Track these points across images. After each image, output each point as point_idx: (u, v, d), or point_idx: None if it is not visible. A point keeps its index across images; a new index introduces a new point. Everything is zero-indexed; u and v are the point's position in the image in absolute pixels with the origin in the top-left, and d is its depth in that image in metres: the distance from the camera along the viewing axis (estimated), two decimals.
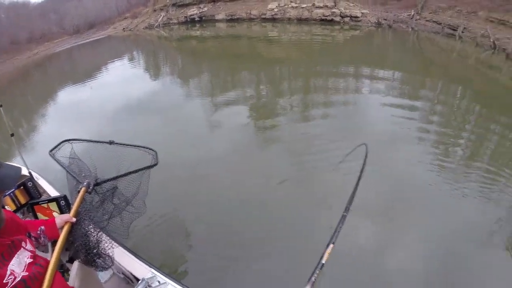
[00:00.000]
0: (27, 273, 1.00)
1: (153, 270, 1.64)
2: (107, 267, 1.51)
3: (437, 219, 3.75)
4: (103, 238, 1.55)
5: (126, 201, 1.93)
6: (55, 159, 1.96)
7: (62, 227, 1.41)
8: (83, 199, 1.62)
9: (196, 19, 21.13)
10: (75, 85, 12.46)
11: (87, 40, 29.76)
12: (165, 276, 1.60)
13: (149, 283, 1.52)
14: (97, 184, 1.76)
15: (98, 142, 2.13)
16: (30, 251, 1.10)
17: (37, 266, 1.06)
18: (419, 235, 3.53)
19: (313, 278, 1.45)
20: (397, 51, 16.36)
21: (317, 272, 1.48)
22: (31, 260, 1.06)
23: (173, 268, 2.95)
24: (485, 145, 6.12)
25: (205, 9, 20.70)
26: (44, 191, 2.54)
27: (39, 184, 2.58)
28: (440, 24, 20.63)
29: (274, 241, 3.19)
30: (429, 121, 6.74)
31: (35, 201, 2.03)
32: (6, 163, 0.99)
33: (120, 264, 1.75)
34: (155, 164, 2.08)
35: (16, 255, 1.01)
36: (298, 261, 2.78)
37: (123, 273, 1.80)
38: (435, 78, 11.42)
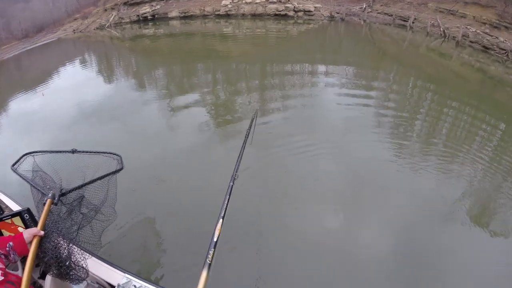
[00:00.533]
0: None
1: (127, 275, 1.62)
2: (81, 279, 1.48)
3: (398, 196, 3.82)
4: (74, 250, 1.50)
5: (95, 210, 1.90)
6: (17, 174, 1.90)
7: (30, 242, 1.36)
8: (49, 211, 1.58)
9: (148, 17, 20.36)
10: (27, 93, 11.56)
11: (37, 45, 27.86)
12: (141, 280, 1.57)
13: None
14: (62, 194, 1.72)
15: (60, 152, 2.09)
16: (0, 268, 1.03)
17: (9, 284, 1.00)
18: (381, 213, 3.56)
19: (207, 260, 1.34)
20: (351, 42, 16.80)
21: (211, 252, 1.37)
22: (2, 277, 1.02)
23: (148, 270, 2.94)
24: (440, 125, 6.40)
25: (158, 7, 20.00)
26: (6, 207, 2.40)
27: (0, 200, 2.47)
28: (391, 15, 21.50)
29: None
30: (384, 106, 6.95)
31: None
32: None
33: (94, 274, 1.70)
34: (121, 169, 2.08)
35: None
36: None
37: (97, 282, 1.75)
38: (389, 66, 11.82)
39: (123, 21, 21.36)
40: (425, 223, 3.62)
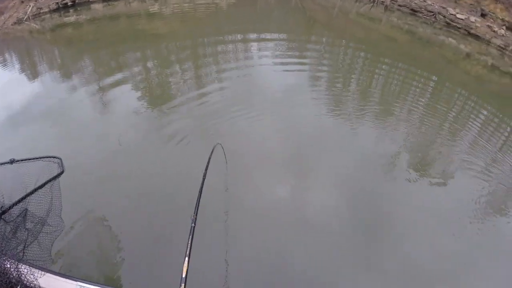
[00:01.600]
0: None
1: (80, 283, 1.58)
2: None
3: (339, 155, 3.95)
4: (24, 270, 1.38)
5: (41, 222, 1.78)
6: None
7: None
8: None
9: (68, 3, 19.01)
10: None
11: None
12: (93, 285, 1.56)
13: None
14: (3, 212, 1.59)
15: None
16: None
17: None
18: (325, 173, 3.66)
19: None
20: (281, 12, 16.98)
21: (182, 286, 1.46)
22: None
23: (108, 274, 2.87)
24: (374, 83, 6.75)
25: None
26: None
27: None
28: None
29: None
30: (319, 70, 7.20)
31: None
32: None
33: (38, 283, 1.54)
34: (62, 172, 1.98)
35: None
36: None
37: None
38: (320, 33, 12.15)
39: (41, 11, 19.74)
40: (368, 178, 3.82)
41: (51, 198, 1.95)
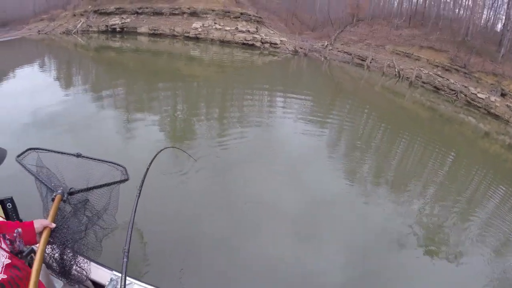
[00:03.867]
0: (5, 276, 0.90)
1: (115, 272, 1.59)
2: (80, 282, 1.44)
3: (351, 226, 3.99)
4: (82, 249, 1.50)
5: (97, 215, 1.88)
6: (22, 165, 1.83)
7: (39, 233, 1.30)
8: (58, 207, 1.53)
9: (117, 29, 20.30)
10: None
11: None
12: (131, 278, 1.56)
13: (116, 285, 1.48)
14: (71, 193, 1.68)
15: (65, 154, 2.05)
16: (6, 251, 1.00)
17: (15, 269, 0.96)
18: (333, 242, 3.69)
19: None
20: (311, 76, 17.89)
21: None
22: (9, 261, 0.96)
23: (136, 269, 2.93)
24: (391, 155, 6.93)
25: (128, 20, 20.09)
26: None
27: None
28: (350, 54, 23.41)
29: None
30: (339, 136, 7.40)
31: None
32: None
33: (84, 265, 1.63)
34: (126, 179, 2.07)
35: None
36: None
37: (86, 275, 1.67)
38: (345, 101, 12.66)
39: (90, 29, 21.09)
40: (376, 248, 3.86)
41: (109, 198, 2.03)
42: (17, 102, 9.36)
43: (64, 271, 1.45)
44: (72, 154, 2.08)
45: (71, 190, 1.72)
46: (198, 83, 12.78)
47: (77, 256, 1.51)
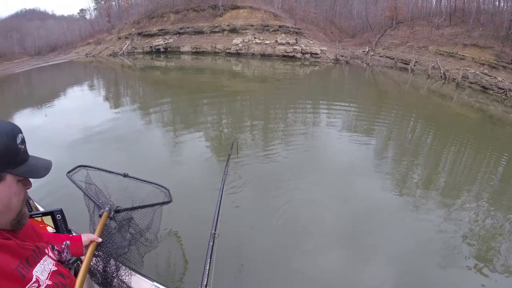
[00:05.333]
0: (51, 282, 0.93)
1: (155, 283, 1.61)
2: None
3: (399, 240, 3.83)
4: (122, 265, 1.54)
5: (140, 233, 1.96)
6: (72, 181, 1.96)
7: (86, 246, 1.38)
8: (105, 224, 1.61)
9: (161, 49, 21.15)
10: (33, 110, 11.79)
11: (48, 63, 28.49)
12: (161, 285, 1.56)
13: None
14: (117, 211, 1.78)
15: (112, 173, 2.17)
16: (53, 259, 1.02)
17: (60, 277, 0.99)
18: (381, 256, 3.56)
19: None
20: (354, 84, 17.40)
21: None
22: (55, 268, 0.99)
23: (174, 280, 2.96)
24: (441, 164, 6.53)
25: (171, 40, 20.85)
26: (34, 204, 2.43)
27: (29, 196, 2.38)
28: (393, 59, 22.54)
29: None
30: (386, 144, 7.10)
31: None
32: (32, 156, 0.93)
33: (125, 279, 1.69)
34: (170, 201, 2.18)
35: (41, 262, 0.94)
36: None
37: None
38: (390, 107, 12.17)
39: (136, 50, 22.15)
40: (425, 263, 3.64)
41: (153, 217, 2.09)
42: (69, 119, 9.88)
43: (106, 282, 1.49)
44: (119, 174, 2.16)
45: (117, 208, 1.79)
46: (242, 97, 12.82)
47: (119, 269, 1.54)
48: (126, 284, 1.55)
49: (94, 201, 1.81)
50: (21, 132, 0.87)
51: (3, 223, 0.85)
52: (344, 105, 11.11)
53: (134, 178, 2.21)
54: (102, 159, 6.14)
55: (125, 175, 2.17)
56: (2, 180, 0.81)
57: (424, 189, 5.30)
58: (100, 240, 1.44)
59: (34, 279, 0.88)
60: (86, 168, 2.09)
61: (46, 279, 0.93)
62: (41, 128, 8.79)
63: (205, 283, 0.74)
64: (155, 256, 3.40)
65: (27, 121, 10.17)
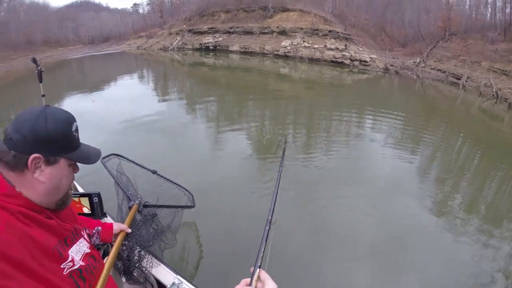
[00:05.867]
0: (83, 263, 0.98)
1: (179, 277, 1.63)
2: (139, 283, 1.56)
3: (433, 263, 3.76)
4: (145, 256, 1.61)
5: (162, 230, 2.01)
6: (106, 168, 2.02)
7: (116, 234, 1.46)
8: (134, 216, 1.68)
9: (210, 47, 21.80)
10: (82, 94, 12.34)
11: (101, 52, 30.22)
12: (191, 284, 1.59)
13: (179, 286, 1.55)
14: (145, 206, 1.84)
15: (143, 167, 2.24)
16: (88, 241, 1.10)
17: (92, 259, 1.05)
18: (410, 276, 3.52)
19: None
20: (402, 96, 16.82)
21: None
22: (89, 250, 1.05)
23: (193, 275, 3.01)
24: (485, 193, 6.22)
25: (220, 39, 21.41)
26: (73, 185, 2.59)
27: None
28: (444, 72, 21.47)
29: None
30: (430, 166, 6.85)
31: None
32: (83, 143, 0.99)
33: (146, 269, 1.75)
34: (193, 206, 2.26)
35: (77, 243, 1.00)
36: None
37: (144, 278, 1.81)
38: (438, 124, 11.70)
39: (186, 46, 23.00)
40: None
41: (173, 218, 2.13)
42: (116, 106, 10.17)
43: (128, 271, 1.53)
44: (149, 170, 2.22)
45: (146, 203, 1.84)
46: (287, 100, 12.80)
47: (142, 260, 1.58)
48: (145, 275, 1.59)
49: (124, 192, 1.86)
50: (76, 121, 0.92)
51: (49, 202, 0.90)
52: (391, 117, 10.79)
53: (162, 176, 2.27)
54: (145, 148, 6.36)
55: (154, 172, 2.23)
56: (56, 163, 0.87)
57: (464, 213, 5.05)
58: (129, 230, 1.51)
59: (70, 259, 0.92)
60: (119, 157, 2.15)
61: (80, 259, 0.97)
62: (89, 113, 9.22)
63: (259, 264, 0.78)
64: (210, 241, 3.52)
65: (76, 104, 10.66)
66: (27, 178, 0.83)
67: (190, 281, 1.65)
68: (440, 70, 22.31)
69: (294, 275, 3.32)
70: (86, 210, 1.92)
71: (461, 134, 10.78)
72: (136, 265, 1.55)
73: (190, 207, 2.27)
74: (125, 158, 2.20)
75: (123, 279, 1.58)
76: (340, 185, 5.26)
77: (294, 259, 3.40)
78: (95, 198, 1.89)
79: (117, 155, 2.17)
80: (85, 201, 1.92)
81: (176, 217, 2.20)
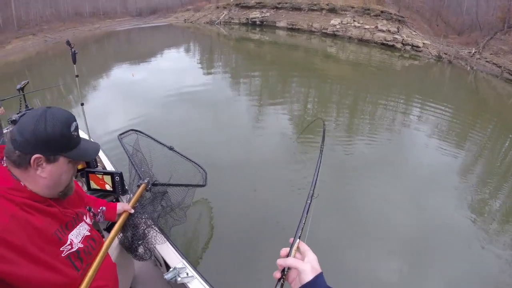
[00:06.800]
0: (82, 245, 1.06)
1: (184, 262, 1.66)
2: (144, 259, 1.62)
3: (459, 266, 3.74)
4: (149, 233, 1.64)
5: (171, 207, 2.04)
6: (122, 145, 2.04)
7: (119, 214, 1.53)
8: (141, 195, 1.71)
9: (257, 22, 21.87)
10: (132, 65, 13.03)
11: (148, 25, 30.93)
12: (194, 270, 1.62)
13: (179, 273, 1.57)
14: (154, 184, 1.85)
15: (160, 143, 2.27)
16: (89, 224, 1.17)
17: (92, 241, 1.13)
18: (436, 277, 3.55)
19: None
20: (453, 87, 16.10)
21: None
22: (89, 233, 1.13)
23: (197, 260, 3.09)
24: None
25: (267, 14, 21.41)
26: (100, 161, 2.64)
27: (99, 157, 2.70)
28: (500, 67, 20.08)
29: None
30: (472, 166, 6.68)
31: (91, 170, 2.09)
32: (83, 138, 1.06)
33: (155, 246, 1.82)
34: (204, 185, 2.26)
35: (77, 226, 1.08)
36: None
37: (154, 255, 1.87)
38: (487, 122, 11.23)
39: (232, 21, 23.24)
40: None
41: (185, 195, 2.14)
42: (163, 77, 10.67)
43: (132, 248, 1.58)
44: (165, 146, 2.22)
45: (155, 182, 1.84)
46: (332, 81, 12.61)
47: (146, 238, 1.61)
48: (150, 251, 1.62)
49: (136, 169, 1.88)
50: (75, 120, 0.98)
51: (52, 193, 0.98)
52: (439, 108, 10.38)
53: (178, 153, 2.29)
54: (187, 120, 6.68)
55: (171, 148, 2.25)
56: (56, 161, 0.94)
57: (501, 221, 4.83)
58: (132, 211, 1.57)
59: (68, 242, 1.00)
60: (137, 133, 2.16)
61: (79, 242, 1.05)
62: (134, 83, 9.85)
63: (299, 235, 0.85)
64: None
65: (119, 76, 11.39)
66: (30, 174, 0.91)
67: (194, 266, 1.67)
68: (496, 64, 20.81)
69: (324, 252, 3.49)
70: (108, 187, 2.02)
71: (510, 136, 10.30)
72: (140, 242, 1.58)
73: (201, 186, 2.26)
74: (143, 133, 2.22)
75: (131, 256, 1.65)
76: (378, 172, 5.24)
77: (323, 238, 3.45)
78: (117, 177, 1.99)
79: (136, 130, 2.19)
80: (108, 179, 2.01)
81: (188, 195, 2.22)
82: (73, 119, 0.97)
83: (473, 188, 5.65)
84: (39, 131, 0.88)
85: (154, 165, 2.06)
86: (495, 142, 8.87)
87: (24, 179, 0.92)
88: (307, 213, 0.99)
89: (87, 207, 1.39)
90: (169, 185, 2.02)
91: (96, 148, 1.09)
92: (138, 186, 1.74)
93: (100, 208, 1.50)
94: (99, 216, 1.50)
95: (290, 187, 4.48)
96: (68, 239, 1.00)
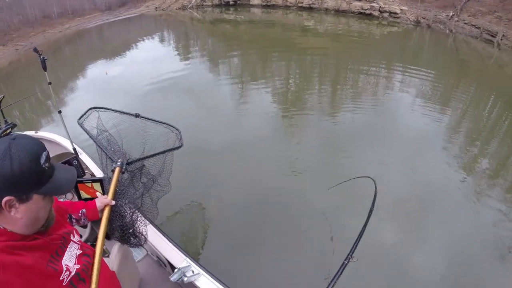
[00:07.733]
0: (79, 266, 1.02)
1: (188, 260, 1.63)
2: (140, 244, 1.58)
3: (458, 224, 3.68)
4: (138, 218, 1.57)
5: (153, 179, 1.92)
6: (84, 129, 1.84)
7: (102, 210, 1.42)
8: (118, 180, 1.58)
9: (230, 2, 21.10)
10: (108, 62, 12.77)
11: (119, 18, 29.90)
12: (199, 267, 1.59)
13: (184, 273, 1.53)
14: (129, 163, 1.71)
15: (124, 113, 2.09)
16: (78, 242, 1.12)
17: (86, 257, 1.09)
18: (436, 239, 3.47)
19: None
20: (433, 51, 16.04)
21: None
22: (80, 251, 1.09)
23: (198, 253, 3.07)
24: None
25: None
26: (87, 167, 2.56)
27: (82, 161, 2.60)
28: (478, 28, 20.03)
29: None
30: (458, 126, 6.64)
31: (79, 179, 1.97)
32: (59, 164, 0.99)
33: (155, 248, 1.77)
34: (180, 146, 2.13)
35: (67, 249, 1.03)
36: None
37: (157, 256, 1.82)
38: (468, 83, 11.21)
39: (205, 3, 22.40)
40: (479, 257, 3.41)
41: (164, 162, 2.00)
42: (140, 69, 10.36)
43: (123, 238, 1.52)
44: (131, 114, 2.09)
45: (128, 161, 1.71)
46: (312, 55, 12.43)
47: (135, 224, 1.55)
48: (143, 235, 1.57)
49: (106, 153, 1.73)
50: (45, 149, 0.89)
51: (33, 230, 0.92)
52: (421, 73, 10.41)
53: (145, 118, 2.15)
54: (170, 107, 6.54)
55: (137, 115, 2.10)
56: (29, 200, 0.87)
57: (491, 176, 4.83)
58: (113, 203, 1.43)
59: (64, 269, 0.96)
60: (97, 109, 1.99)
61: (74, 264, 1.01)
62: (111, 79, 9.54)
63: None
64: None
65: (96, 74, 10.94)
66: (6, 216, 0.85)
67: (197, 261, 1.65)
68: (474, 26, 20.77)
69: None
70: (99, 194, 1.94)
71: (492, 96, 10.29)
72: (130, 230, 1.52)
73: (177, 148, 2.09)
74: (104, 108, 2.02)
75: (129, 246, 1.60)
76: (366, 141, 5.21)
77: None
78: (106, 183, 1.86)
79: (96, 107, 1.99)
80: (97, 186, 1.95)
81: (167, 161, 2.07)
82: (42, 149, 0.89)
83: (461, 147, 5.59)
84: (5, 171, 0.80)
85: (125, 141, 1.90)
86: (478, 102, 8.85)
87: (1, 222, 0.86)
88: (340, 273, 1.03)
89: (68, 215, 1.34)
90: (144, 158, 1.84)
91: (72, 179, 1.00)
92: (113, 171, 1.59)
93: (80, 211, 1.41)
94: (82, 220, 1.41)
95: (282, 165, 4.35)
96: (63, 266, 0.97)
